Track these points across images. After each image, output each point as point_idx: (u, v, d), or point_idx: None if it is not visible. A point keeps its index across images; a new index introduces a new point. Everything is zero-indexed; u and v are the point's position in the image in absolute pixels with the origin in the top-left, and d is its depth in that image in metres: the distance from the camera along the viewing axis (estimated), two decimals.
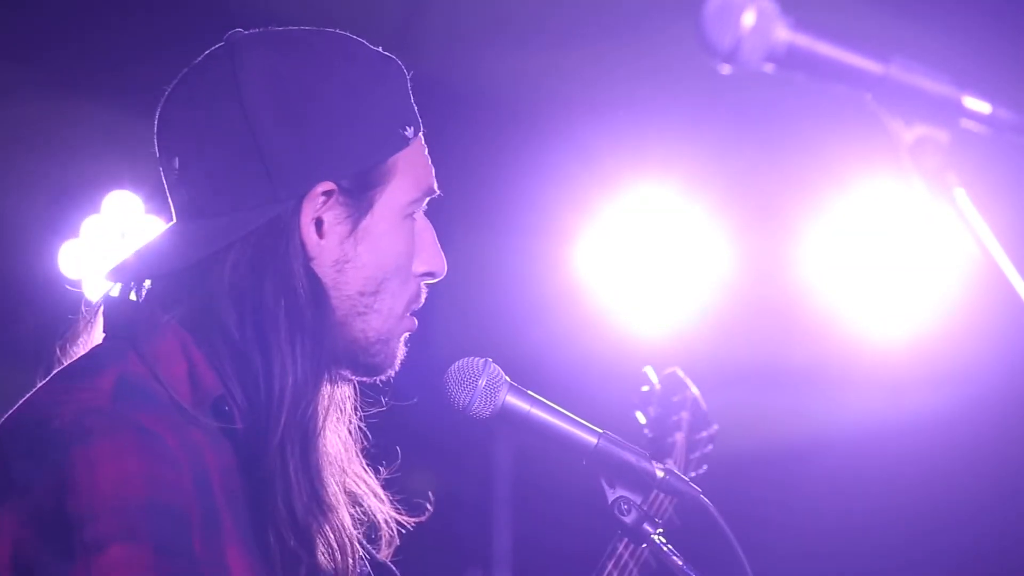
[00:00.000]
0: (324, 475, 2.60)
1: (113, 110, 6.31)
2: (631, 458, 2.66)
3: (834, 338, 6.53)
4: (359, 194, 2.62)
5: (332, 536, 2.57)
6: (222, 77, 2.61)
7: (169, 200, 2.65)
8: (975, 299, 5.98)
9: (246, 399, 2.53)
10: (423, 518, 2.92)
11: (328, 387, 2.70)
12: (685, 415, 3.63)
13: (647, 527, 2.64)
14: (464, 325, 6.74)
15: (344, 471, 2.73)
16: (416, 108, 2.79)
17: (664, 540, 2.65)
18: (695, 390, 3.65)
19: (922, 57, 1.98)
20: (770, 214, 6.49)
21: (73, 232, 6.56)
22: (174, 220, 2.65)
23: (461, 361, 2.70)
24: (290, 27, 2.75)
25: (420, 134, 2.78)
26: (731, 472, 5.89)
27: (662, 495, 3.09)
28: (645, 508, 2.65)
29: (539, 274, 6.70)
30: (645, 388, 3.73)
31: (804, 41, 1.94)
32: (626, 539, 3.06)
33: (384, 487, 2.86)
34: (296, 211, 2.58)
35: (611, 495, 2.65)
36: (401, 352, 2.81)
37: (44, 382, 2.52)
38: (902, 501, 6.43)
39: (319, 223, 2.59)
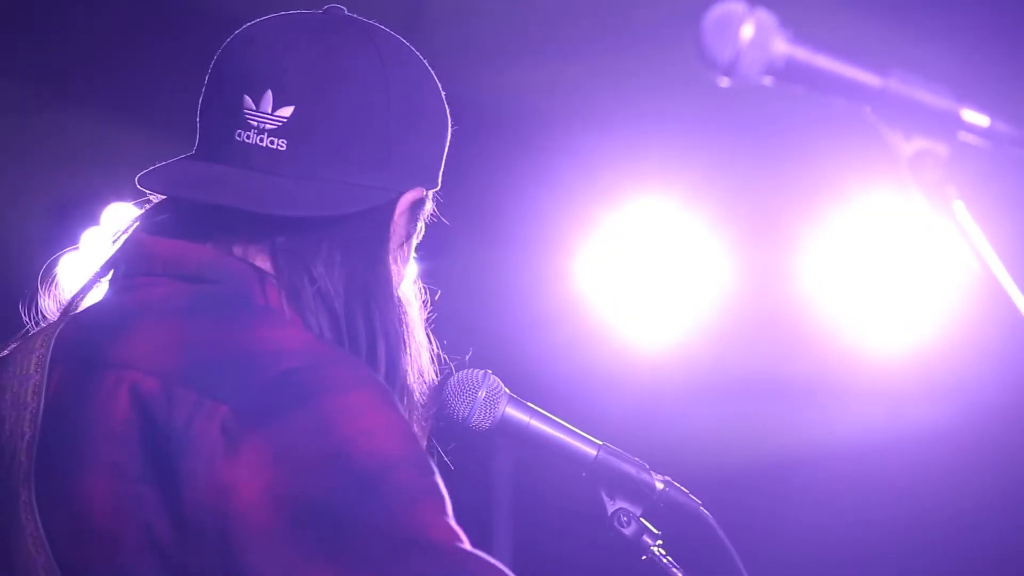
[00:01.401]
0: None
1: (112, 122, 6.31)
2: (631, 470, 2.66)
3: (834, 350, 6.53)
4: (414, 219, 2.62)
5: None
6: (369, 54, 2.56)
7: (235, 139, 2.50)
8: (974, 312, 5.98)
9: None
10: None
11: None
12: None
13: (647, 539, 2.65)
14: (464, 337, 6.74)
15: None
16: None
17: (664, 552, 2.65)
18: None
19: (921, 70, 1.98)
20: (770, 226, 6.49)
21: (73, 243, 6.57)
22: (235, 166, 2.50)
23: (461, 373, 2.70)
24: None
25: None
26: (731, 484, 5.90)
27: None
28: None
29: (540, 286, 6.70)
30: None
31: (803, 54, 1.95)
32: None
33: None
34: (393, 205, 2.55)
35: (611, 507, 2.66)
36: None
37: (237, 322, 2.40)
38: (902, 513, 6.43)
39: (392, 229, 2.57)
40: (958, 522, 6.32)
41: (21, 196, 6.39)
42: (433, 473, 2.33)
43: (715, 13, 1.94)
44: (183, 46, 5.91)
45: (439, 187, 2.67)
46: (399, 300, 2.59)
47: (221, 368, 2.32)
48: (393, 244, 2.58)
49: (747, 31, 1.93)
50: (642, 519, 2.67)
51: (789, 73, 1.95)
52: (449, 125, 2.68)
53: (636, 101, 6.22)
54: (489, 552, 2.34)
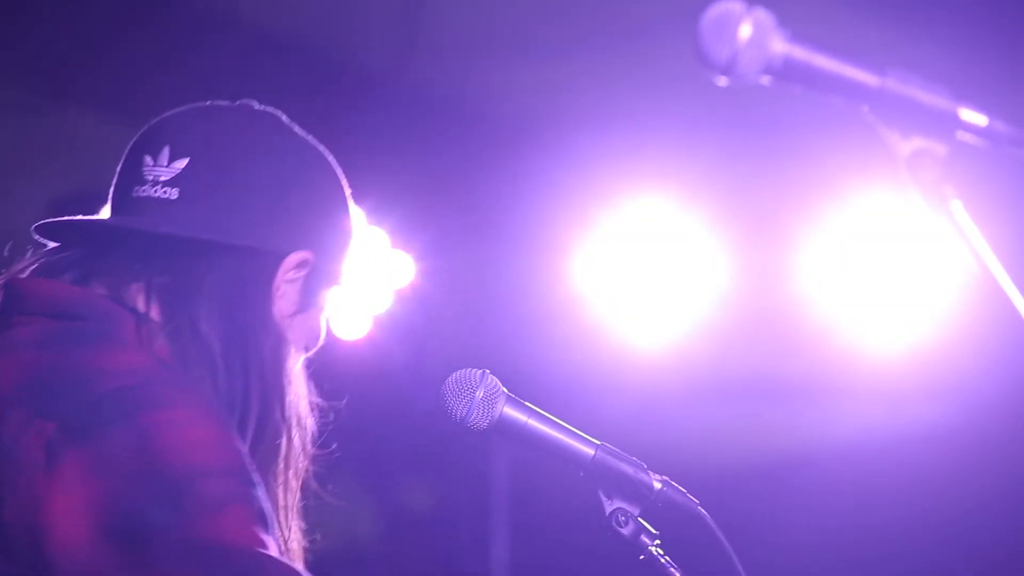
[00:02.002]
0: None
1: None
2: (628, 470, 2.66)
3: (832, 350, 6.54)
4: (311, 291, 2.72)
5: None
6: (267, 127, 2.73)
7: (132, 195, 2.66)
8: (972, 311, 5.98)
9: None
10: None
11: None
12: None
13: (644, 538, 2.65)
14: (462, 337, 6.74)
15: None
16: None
17: (662, 552, 2.65)
18: None
19: (919, 69, 1.98)
20: (768, 226, 6.50)
21: None
22: (121, 213, 2.66)
23: (459, 372, 2.70)
24: None
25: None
26: (729, 483, 5.90)
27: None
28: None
29: (537, 285, 6.71)
30: None
31: (801, 53, 1.95)
32: None
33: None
34: (277, 260, 2.66)
35: (608, 506, 2.66)
36: None
37: (70, 345, 2.50)
38: (900, 513, 6.43)
39: (278, 286, 2.68)
40: (956, 521, 6.32)
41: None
42: (252, 486, 2.39)
43: (713, 12, 1.94)
44: (184, 44, 5.92)
45: (342, 262, 2.78)
46: (279, 350, 2.67)
47: (55, 389, 2.42)
48: (284, 306, 2.68)
49: (745, 30, 1.93)
50: (640, 519, 2.67)
51: (787, 72, 1.95)
52: (346, 210, 2.80)
53: (634, 100, 6.23)
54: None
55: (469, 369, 2.70)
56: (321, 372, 7.29)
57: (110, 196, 2.70)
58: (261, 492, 2.41)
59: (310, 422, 2.75)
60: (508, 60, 6.25)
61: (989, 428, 6.29)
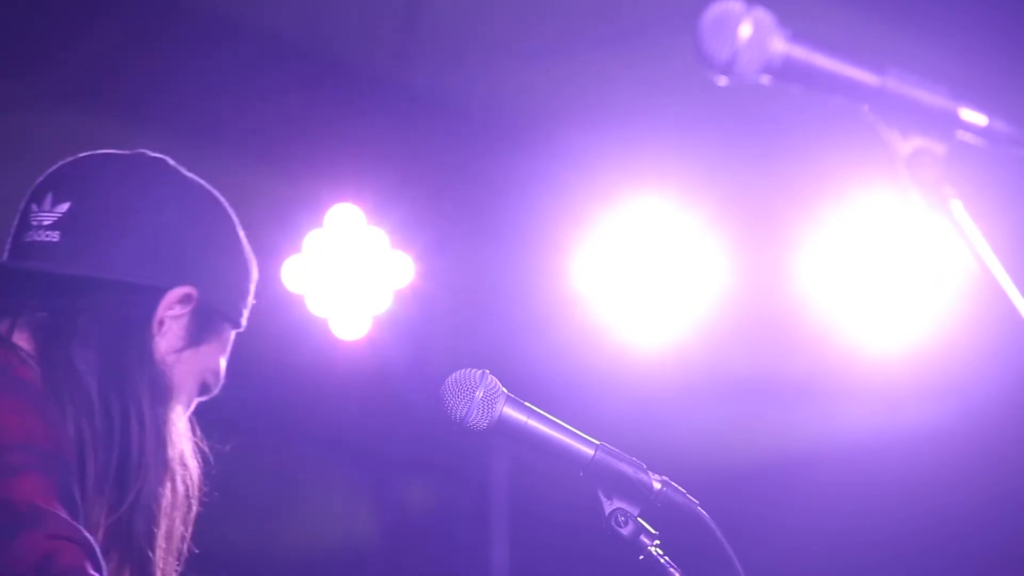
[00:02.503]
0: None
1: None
2: (628, 470, 2.66)
3: (831, 350, 6.54)
4: (202, 327, 2.75)
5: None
6: (148, 170, 2.78)
7: (21, 241, 2.75)
8: (972, 311, 5.98)
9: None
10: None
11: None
12: None
13: (644, 539, 2.64)
14: (461, 337, 6.74)
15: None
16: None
17: (661, 551, 2.65)
18: None
19: (919, 69, 1.98)
20: (767, 226, 6.50)
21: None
22: (12, 259, 2.74)
23: (458, 373, 2.70)
24: None
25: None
26: (728, 483, 5.90)
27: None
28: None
29: (537, 286, 6.70)
30: None
31: (801, 53, 1.95)
32: None
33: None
34: (157, 295, 2.70)
35: (608, 507, 2.65)
36: None
37: None
38: (899, 513, 6.43)
39: (162, 320, 2.71)
40: (956, 522, 6.32)
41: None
42: (54, 470, 2.47)
43: (713, 12, 1.93)
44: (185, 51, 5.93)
45: (233, 298, 2.82)
46: (160, 388, 2.70)
47: None
48: (170, 341, 2.72)
49: (745, 30, 1.93)
50: (639, 519, 2.66)
51: (787, 72, 1.95)
52: (236, 247, 2.83)
53: (633, 100, 6.22)
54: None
55: (468, 369, 2.69)
56: (321, 372, 7.29)
57: (5, 249, 2.79)
58: (62, 477, 2.47)
59: (194, 464, 2.76)
60: (507, 60, 6.25)
61: (989, 428, 6.28)
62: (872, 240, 6.40)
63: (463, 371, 2.69)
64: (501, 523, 7.06)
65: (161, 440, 2.67)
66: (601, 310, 6.69)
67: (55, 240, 2.70)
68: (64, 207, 2.70)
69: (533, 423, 2.67)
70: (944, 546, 6.35)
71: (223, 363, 2.82)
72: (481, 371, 2.69)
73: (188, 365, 2.74)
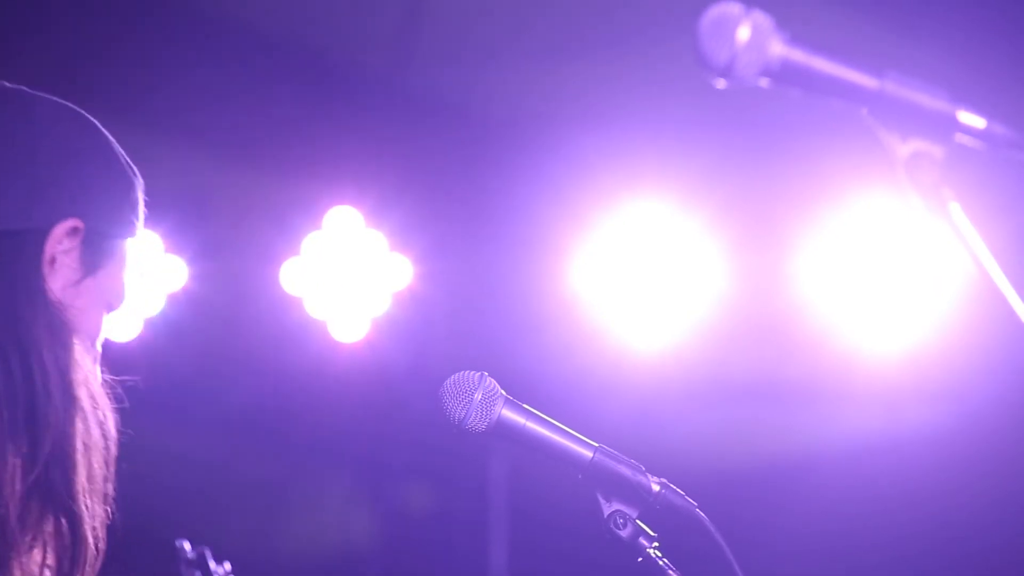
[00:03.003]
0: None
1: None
2: (627, 472, 2.66)
3: (830, 353, 6.54)
4: (95, 252, 2.68)
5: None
6: (15, 107, 2.70)
7: None
8: (971, 314, 5.98)
9: None
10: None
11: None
12: None
13: (643, 541, 2.65)
14: (460, 339, 6.74)
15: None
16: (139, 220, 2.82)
17: (660, 554, 2.65)
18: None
19: (917, 72, 1.98)
20: (766, 229, 6.50)
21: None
22: None
23: (457, 375, 2.69)
24: None
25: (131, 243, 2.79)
26: (727, 486, 5.90)
27: None
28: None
29: (536, 288, 6.70)
30: (183, 557, 3.90)
31: (799, 56, 1.95)
32: None
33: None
34: (43, 235, 2.64)
35: (607, 509, 2.65)
36: None
37: None
38: (898, 516, 6.43)
39: (53, 256, 2.65)
40: (954, 525, 6.32)
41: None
42: None
43: (712, 15, 1.93)
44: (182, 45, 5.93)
45: (123, 213, 2.73)
46: (57, 327, 2.64)
47: None
48: (65, 276, 2.65)
49: (743, 33, 1.93)
50: (638, 521, 2.66)
51: (785, 75, 1.95)
52: (111, 161, 2.75)
53: (632, 103, 6.23)
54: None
55: (467, 371, 2.69)
56: (320, 375, 7.29)
57: None
58: None
59: (105, 403, 2.69)
60: (506, 63, 6.25)
61: (988, 431, 6.28)
62: (871, 243, 6.40)
63: (462, 373, 2.69)
64: (500, 525, 7.06)
65: (68, 384, 2.61)
66: (600, 312, 6.69)
67: None
68: None
69: (532, 425, 2.67)
70: (944, 549, 6.35)
71: (126, 278, 2.75)
72: (480, 373, 2.69)
73: (89, 295, 2.69)
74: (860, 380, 6.54)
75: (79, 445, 2.62)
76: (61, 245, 2.64)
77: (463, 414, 2.66)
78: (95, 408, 2.66)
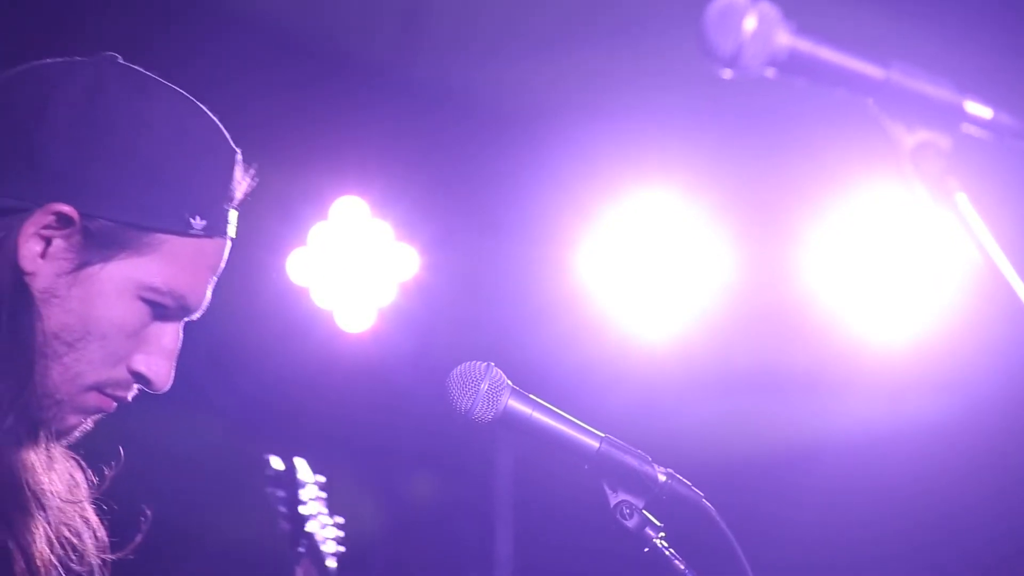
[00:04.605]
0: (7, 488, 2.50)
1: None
2: (633, 462, 2.66)
3: (835, 343, 6.54)
4: (102, 242, 2.52)
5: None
6: (54, 76, 2.57)
7: None
8: (976, 304, 5.98)
9: None
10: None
11: (31, 418, 2.54)
12: (314, 498, 3.86)
13: (649, 531, 2.65)
14: (466, 329, 6.75)
15: (62, 510, 2.58)
16: (231, 219, 2.64)
17: (666, 544, 2.65)
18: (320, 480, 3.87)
19: (923, 62, 1.98)
20: (771, 219, 6.50)
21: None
22: None
23: (463, 365, 2.69)
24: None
25: (217, 241, 2.61)
26: (733, 476, 5.90)
27: None
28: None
29: (541, 279, 6.71)
30: (271, 472, 3.90)
31: (806, 46, 1.95)
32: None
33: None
34: (27, 217, 2.50)
35: (613, 499, 2.65)
36: (79, 428, 2.60)
37: None
38: (903, 505, 6.43)
39: (47, 242, 2.51)
40: (959, 515, 6.32)
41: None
42: None
43: (718, 5, 1.94)
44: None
45: (146, 229, 2.55)
46: (25, 313, 2.51)
47: None
48: (49, 264, 2.51)
49: (750, 23, 1.93)
50: (645, 511, 2.66)
51: (792, 65, 1.95)
52: (170, 158, 2.58)
53: (638, 93, 6.22)
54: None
55: (473, 362, 2.69)
56: (326, 364, 7.29)
57: None
58: None
59: (76, 388, 2.55)
60: (511, 53, 6.25)
61: (993, 421, 6.28)
62: (877, 233, 6.40)
63: (468, 364, 2.69)
64: (505, 514, 7.06)
65: (31, 369, 2.48)
66: (605, 302, 6.69)
67: None
68: None
69: (538, 416, 2.68)
70: (948, 538, 6.35)
71: (175, 276, 2.56)
72: (486, 363, 2.69)
73: (92, 299, 2.53)
74: (865, 370, 6.54)
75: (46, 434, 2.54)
76: (46, 232, 2.50)
77: (469, 404, 2.66)
78: (77, 389, 2.55)
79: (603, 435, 2.68)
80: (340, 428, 6.91)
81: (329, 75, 6.34)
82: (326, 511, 4.34)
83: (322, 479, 4.24)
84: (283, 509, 4.26)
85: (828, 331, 6.54)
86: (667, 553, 2.64)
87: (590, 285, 6.68)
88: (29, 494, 2.51)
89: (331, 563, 4.30)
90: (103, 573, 2.64)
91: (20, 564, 2.47)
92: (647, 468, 2.66)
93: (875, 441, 6.61)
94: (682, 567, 2.63)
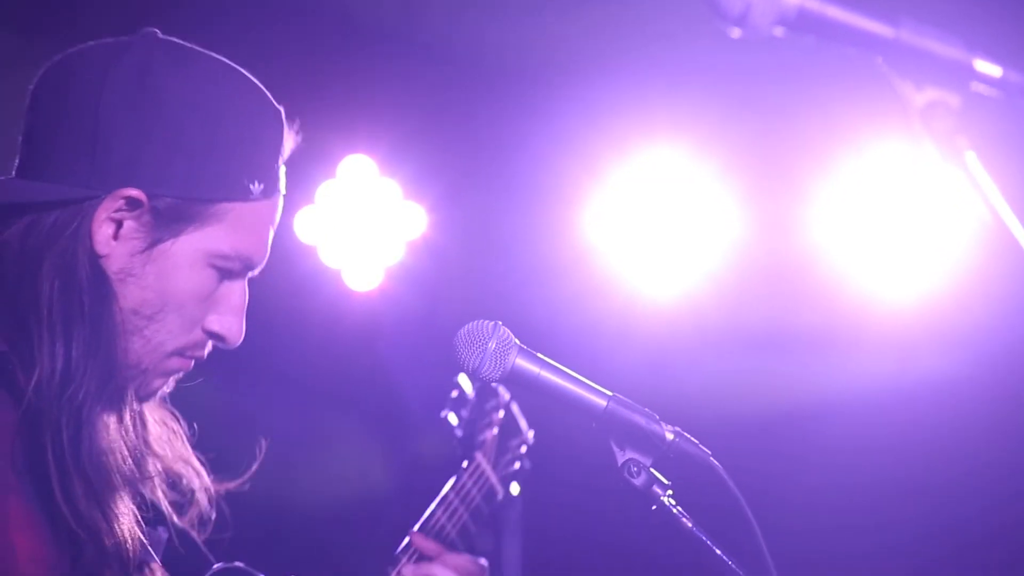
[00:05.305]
0: (101, 465, 2.57)
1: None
2: (640, 420, 2.67)
3: (844, 301, 6.53)
4: (170, 219, 2.64)
5: (114, 525, 2.57)
6: (94, 64, 2.66)
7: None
8: (985, 262, 5.97)
9: (24, 366, 2.55)
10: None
11: (121, 388, 2.64)
12: (497, 417, 3.77)
13: (657, 489, 2.65)
14: (474, 288, 6.74)
15: (165, 454, 2.76)
16: (282, 176, 2.79)
17: (674, 502, 2.66)
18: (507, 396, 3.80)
19: (933, 20, 1.97)
20: (780, 177, 6.48)
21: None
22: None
23: (471, 324, 2.70)
24: (208, 53, 2.76)
25: (274, 199, 2.80)
26: (741, 434, 5.91)
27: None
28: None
29: (549, 238, 6.70)
30: (455, 393, 3.86)
31: (814, 5, 1.94)
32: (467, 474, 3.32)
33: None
34: (98, 204, 2.61)
35: (621, 457, 2.66)
36: (163, 388, 2.76)
37: None
38: (913, 464, 6.44)
39: (119, 225, 2.62)
40: (969, 473, 6.32)
41: None
42: None
43: None
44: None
45: (210, 201, 2.68)
46: (104, 298, 2.61)
47: None
48: (123, 245, 2.62)
49: None
50: (652, 469, 2.67)
51: (801, 23, 1.94)
52: (224, 129, 2.69)
53: (646, 50, 6.20)
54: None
55: (481, 320, 2.70)
56: (334, 323, 7.28)
57: None
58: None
59: (158, 356, 2.68)
60: (520, 10, 6.23)
61: (1002, 379, 6.28)
62: (886, 191, 6.38)
63: (476, 322, 2.70)
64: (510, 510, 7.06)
65: (112, 345, 2.60)
66: (613, 261, 6.68)
67: (23, 158, 2.68)
68: (24, 123, 2.69)
69: (545, 374, 2.68)
70: (957, 496, 6.36)
71: (221, 236, 2.70)
72: (494, 322, 2.69)
73: (165, 259, 2.65)
74: (874, 328, 6.53)
75: (127, 409, 2.62)
76: (115, 216, 2.62)
77: (477, 363, 2.67)
78: (154, 358, 2.67)
79: (611, 393, 2.68)
80: (347, 386, 6.91)
81: (336, 33, 6.33)
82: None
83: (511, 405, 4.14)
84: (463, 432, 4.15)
85: (837, 289, 6.53)
86: (675, 511, 2.65)
87: (598, 243, 6.68)
88: (126, 468, 2.60)
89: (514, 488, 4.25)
90: (207, 508, 2.76)
91: (106, 540, 2.55)
92: (655, 426, 2.67)
93: (884, 399, 6.61)
94: (690, 525, 2.64)
